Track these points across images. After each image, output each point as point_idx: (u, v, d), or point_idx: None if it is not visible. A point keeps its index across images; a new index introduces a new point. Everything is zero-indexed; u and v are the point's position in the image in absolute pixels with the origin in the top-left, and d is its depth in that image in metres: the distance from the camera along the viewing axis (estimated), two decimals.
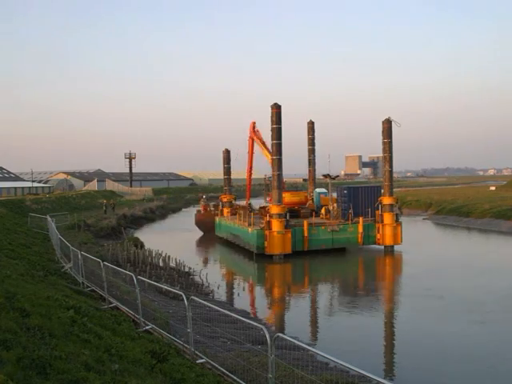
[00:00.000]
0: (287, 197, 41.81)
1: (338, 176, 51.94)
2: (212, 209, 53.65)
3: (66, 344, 7.82)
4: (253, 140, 48.40)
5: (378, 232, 38.26)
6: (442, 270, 30.60)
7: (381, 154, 39.99)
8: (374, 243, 38.66)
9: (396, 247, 38.28)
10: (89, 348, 8.19)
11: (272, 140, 36.32)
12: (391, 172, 38.86)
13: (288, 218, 37.57)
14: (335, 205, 42.20)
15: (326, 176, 46.45)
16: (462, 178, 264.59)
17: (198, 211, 55.60)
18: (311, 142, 48.32)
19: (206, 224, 51.21)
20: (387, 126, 38.03)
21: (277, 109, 36.46)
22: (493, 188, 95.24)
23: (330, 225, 38.20)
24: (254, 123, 48.17)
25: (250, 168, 51.02)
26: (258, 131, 47.87)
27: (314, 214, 42.30)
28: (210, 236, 48.71)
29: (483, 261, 34.20)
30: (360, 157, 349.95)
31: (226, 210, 49.67)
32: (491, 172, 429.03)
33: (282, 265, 34.36)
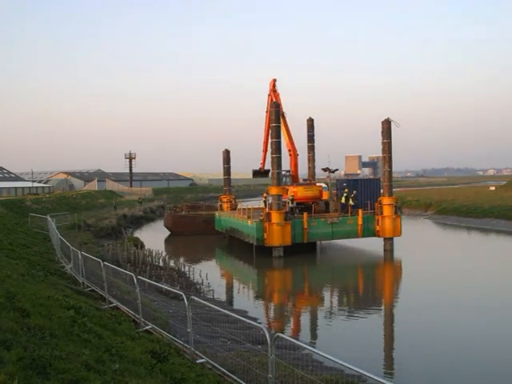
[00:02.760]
0: (300, 191, 40.75)
1: (337, 169, 51.37)
2: (180, 210, 54.93)
3: (67, 344, 7.83)
4: (272, 99, 43.74)
5: (378, 224, 38.35)
6: (442, 271, 30.57)
7: (381, 154, 40.03)
8: (374, 235, 38.69)
9: (396, 249, 38.24)
10: (89, 348, 8.19)
11: (271, 138, 36.40)
12: (391, 172, 38.89)
13: (297, 213, 37.74)
14: (334, 198, 42.22)
15: (325, 169, 46.31)
16: (461, 178, 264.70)
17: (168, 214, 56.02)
18: (311, 138, 48.17)
19: (174, 223, 52.12)
20: (386, 126, 38.08)
21: (276, 107, 36.94)
22: (493, 188, 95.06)
23: (330, 217, 38.26)
24: (275, 80, 44.37)
25: (268, 128, 42.50)
26: (276, 91, 43.80)
27: (328, 207, 41.15)
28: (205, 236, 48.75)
29: (483, 259, 34.22)
30: (360, 157, 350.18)
31: (225, 206, 49.89)
32: (491, 172, 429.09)
33: (282, 263, 34.34)
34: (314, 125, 48.12)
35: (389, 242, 38.35)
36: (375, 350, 16.78)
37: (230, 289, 28.49)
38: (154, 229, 60.05)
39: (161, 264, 29.95)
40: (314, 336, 19.26)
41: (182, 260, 32.57)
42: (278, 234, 35.31)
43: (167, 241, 48.93)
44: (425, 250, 39.72)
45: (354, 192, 39.39)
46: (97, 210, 67.58)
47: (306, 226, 36.71)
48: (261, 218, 36.77)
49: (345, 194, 39.34)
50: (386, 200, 38.31)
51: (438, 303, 22.67)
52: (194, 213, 54.00)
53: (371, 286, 29.14)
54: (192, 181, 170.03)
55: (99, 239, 42.04)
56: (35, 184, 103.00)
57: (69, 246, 21.56)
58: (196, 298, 12.06)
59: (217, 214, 48.98)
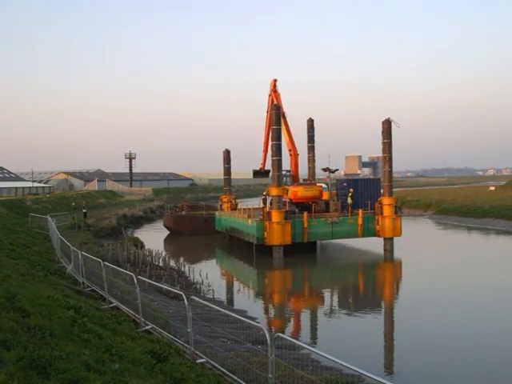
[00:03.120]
0: (300, 191, 40.90)
1: (337, 170, 51.44)
2: (180, 209, 55.36)
3: (67, 344, 7.83)
4: (272, 101, 43.90)
5: (378, 224, 38.36)
6: (442, 271, 30.57)
7: (381, 154, 40.03)
8: (374, 235, 38.70)
9: (396, 248, 38.21)
10: (89, 348, 8.20)
11: (272, 141, 36.43)
12: (391, 172, 38.90)
13: (298, 213, 37.79)
14: (334, 198, 42.30)
15: (325, 169, 46.33)
16: (461, 178, 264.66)
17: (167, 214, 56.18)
18: (311, 139, 48.16)
19: (173, 222, 52.49)
20: (387, 126, 38.06)
21: (276, 110, 36.87)
22: (492, 188, 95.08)
23: (330, 217, 38.29)
24: (276, 80, 44.15)
25: (268, 128, 41.59)
26: (277, 91, 43.73)
27: (328, 206, 41.38)
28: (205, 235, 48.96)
29: (484, 258, 34.22)
30: (360, 157, 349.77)
31: (225, 206, 49.95)
32: (491, 172, 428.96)
33: (282, 263, 34.34)
34: (314, 125, 48.12)
35: (389, 241, 38.35)
36: (375, 350, 16.79)
37: (230, 289, 28.49)
38: (154, 229, 60.07)
39: (161, 264, 29.95)
40: (314, 336, 19.26)
41: (182, 260, 32.58)
42: (278, 233, 35.40)
43: (167, 241, 48.95)
44: (425, 249, 39.72)
45: (351, 190, 39.45)
46: (97, 210, 67.57)
47: (306, 226, 36.78)
48: (261, 217, 36.83)
49: (349, 194, 39.47)
50: (386, 200, 38.31)
51: (438, 303, 22.67)
52: (195, 212, 54.17)
53: (371, 286, 29.14)
54: (192, 181, 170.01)
55: (99, 239, 42.05)
56: (35, 184, 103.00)
57: (69, 245, 21.57)
58: (196, 298, 12.06)
59: (217, 213, 49.13)
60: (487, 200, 63.13)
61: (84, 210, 53.21)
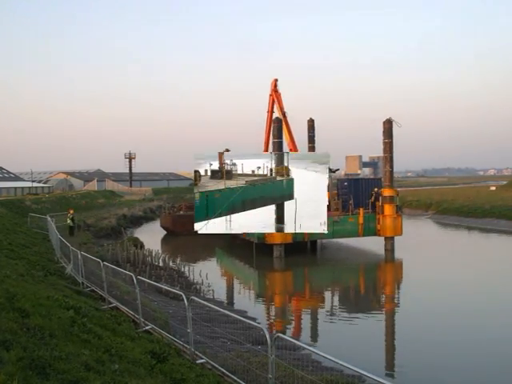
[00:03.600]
0: None
1: (338, 169, 51.45)
2: (178, 209, 55.78)
3: (66, 344, 7.82)
4: (273, 100, 44.19)
5: (379, 223, 38.30)
6: (443, 271, 30.54)
7: (381, 154, 40.02)
8: (375, 234, 38.61)
9: (396, 248, 38.19)
10: (89, 348, 8.18)
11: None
12: (392, 172, 38.89)
13: None
14: (335, 197, 42.29)
15: None
16: (462, 178, 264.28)
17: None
18: (311, 139, 48.14)
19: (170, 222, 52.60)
20: (388, 126, 38.03)
21: (278, 123, 37.22)
22: (493, 188, 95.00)
23: (331, 216, 38.23)
24: (276, 80, 44.05)
25: (269, 128, 43.19)
26: (278, 91, 43.55)
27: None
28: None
29: (484, 259, 34.21)
30: (360, 157, 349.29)
31: None
32: (491, 172, 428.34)
33: (282, 262, 34.32)
34: (315, 125, 48.05)
35: (390, 241, 38.25)
36: (376, 351, 16.75)
37: (230, 289, 28.48)
38: (153, 229, 60.05)
39: (161, 264, 29.93)
40: (314, 336, 19.24)
41: (181, 260, 32.55)
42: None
43: (165, 241, 48.91)
44: (426, 249, 39.69)
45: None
46: (96, 209, 67.53)
47: None
48: None
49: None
50: (386, 192, 38.12)
51: (439, 303, 22.64)
52: (193, 212, 54.03)
53: (372, 287, 29.11)
54: (192, 181, 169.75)
55: (99, 239, 42.00)
56: (35, 184, 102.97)
57: (68, 245, 21.53)
58: (196, 299, 12.05)
59: None
60: (488, 200, 63.12)
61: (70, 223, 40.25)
